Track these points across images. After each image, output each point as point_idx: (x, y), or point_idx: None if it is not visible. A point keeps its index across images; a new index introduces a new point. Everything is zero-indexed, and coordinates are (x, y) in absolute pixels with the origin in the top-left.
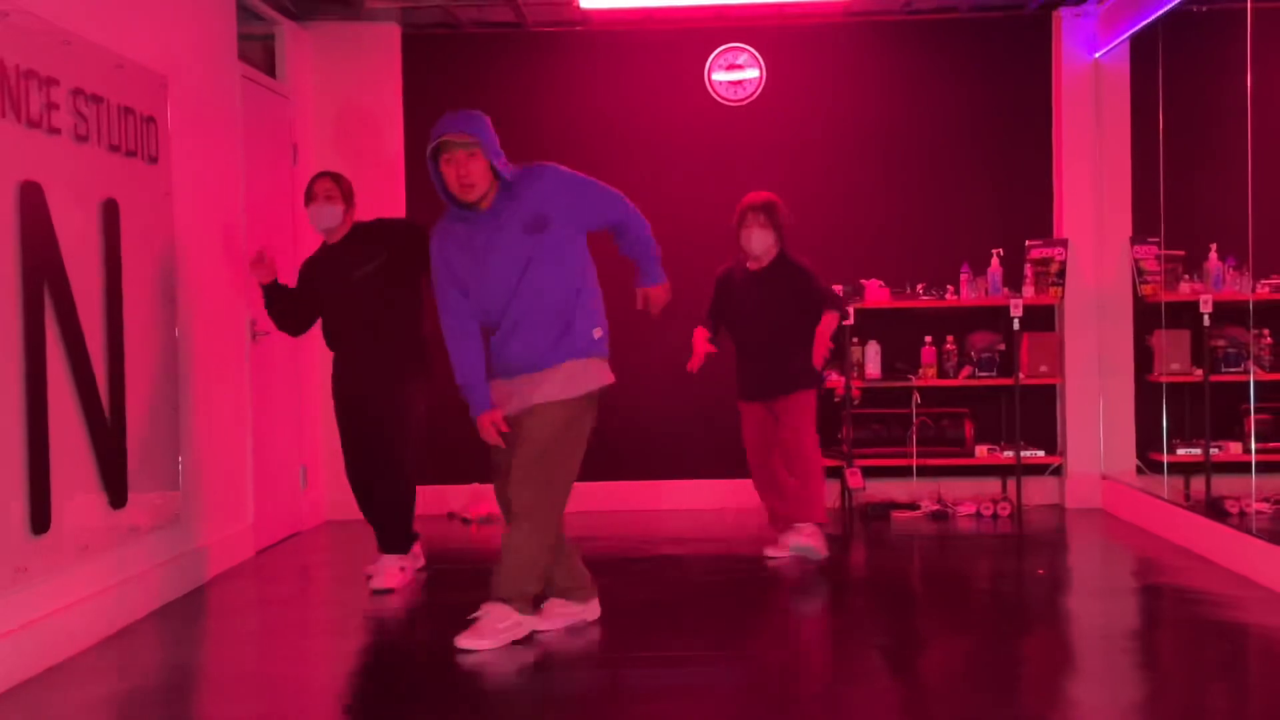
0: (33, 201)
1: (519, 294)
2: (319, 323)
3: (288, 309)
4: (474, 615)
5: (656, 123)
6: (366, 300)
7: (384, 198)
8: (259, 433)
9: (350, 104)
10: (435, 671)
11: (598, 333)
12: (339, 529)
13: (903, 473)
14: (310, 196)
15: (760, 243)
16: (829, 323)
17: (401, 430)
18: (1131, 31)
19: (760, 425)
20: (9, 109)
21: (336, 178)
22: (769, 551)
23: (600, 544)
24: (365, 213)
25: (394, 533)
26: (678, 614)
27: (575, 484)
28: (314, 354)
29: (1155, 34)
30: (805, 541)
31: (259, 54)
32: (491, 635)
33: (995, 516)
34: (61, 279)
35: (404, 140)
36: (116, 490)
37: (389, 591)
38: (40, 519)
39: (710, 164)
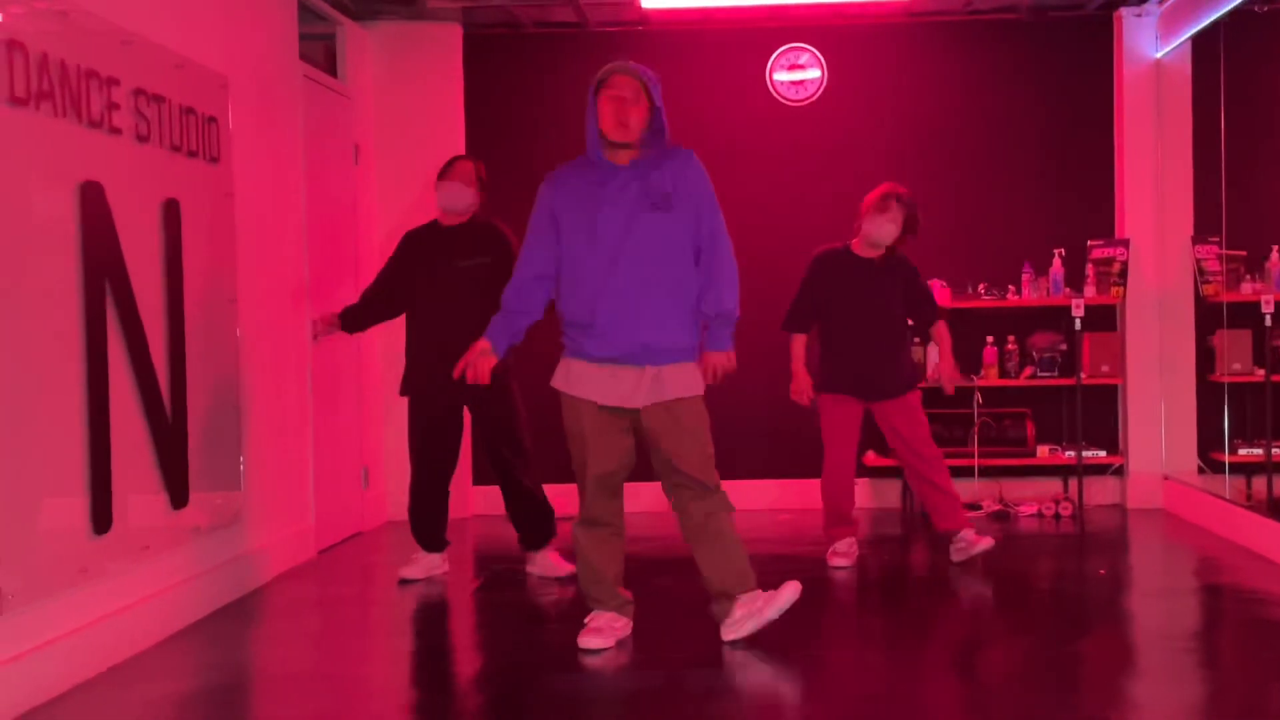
0: (94, 201)
1: (625, 265)
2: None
3: (371, 304)
4: (731, 621)
5: (718, 123)
6: (467, 291)
7: None
8: (320, 433)
9: (411, 104)
10: (494, 671)
11: (696, 338)
12: (401, 529)
13: (964, 473)
14: (447, 174)
15: (890, 234)
16: (946, 334)
17: (519, 425)
18: (1193, 31)
19: (849, 421)
20: (70, 109)
21: (477, 163)
22: (836, 561)
23: (656, 544)
24: (424, 212)
25: (539, 527)
26: None
27: (629, 484)
28: (375, 354)
29: (1217, 34)
30: (978, 547)
31: (320, 54)
32: (759, 615)
33: (1057, 517)
34: (123, 279)
35: (465, 140)
36: (178, 490)
37: (565, 577)
38: (102, 519)
39: (772, 165)
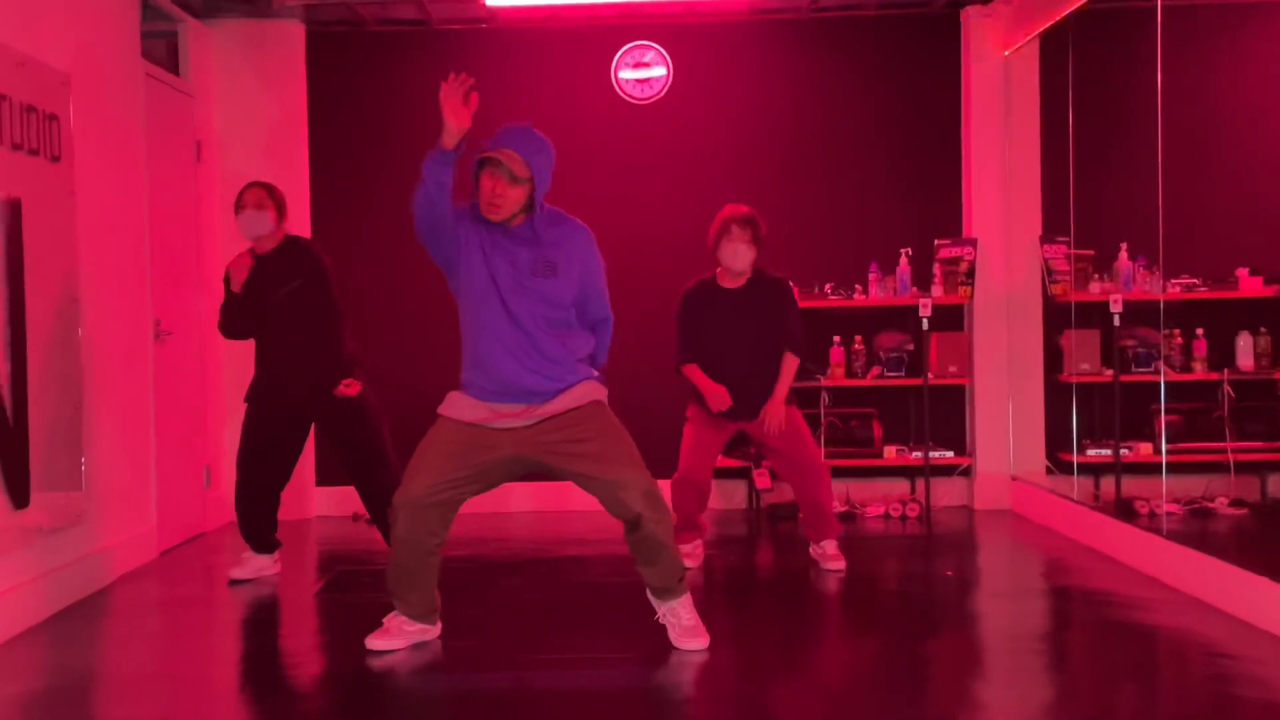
0: None
1: (515, 321)
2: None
3: (237, 317)
4: (668, 622)
5: (563, 121)
6: (287, 316)
7: (288, 195)
8: (162, 433)
9: (254, 102)
10: (340, 672)
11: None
12: None
13: None
14: (240, 205)
15: (745, 259)
16: (791, 367)
17: (378, 422)
18: (1041, 29)
19: (714, 438)
20: None
21: (269, 188)
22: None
23: (505, 545)
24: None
25: None
26: (581, 615)
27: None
28: (218, 354)
29: (1065, 32)
30: (836, 563)
31: (162, 51)
32: (699, 631)
33: (904, 518)
34: None
35: (308, 137)
36: (19, 491)
37: None
38: None
39: (617, 163)
